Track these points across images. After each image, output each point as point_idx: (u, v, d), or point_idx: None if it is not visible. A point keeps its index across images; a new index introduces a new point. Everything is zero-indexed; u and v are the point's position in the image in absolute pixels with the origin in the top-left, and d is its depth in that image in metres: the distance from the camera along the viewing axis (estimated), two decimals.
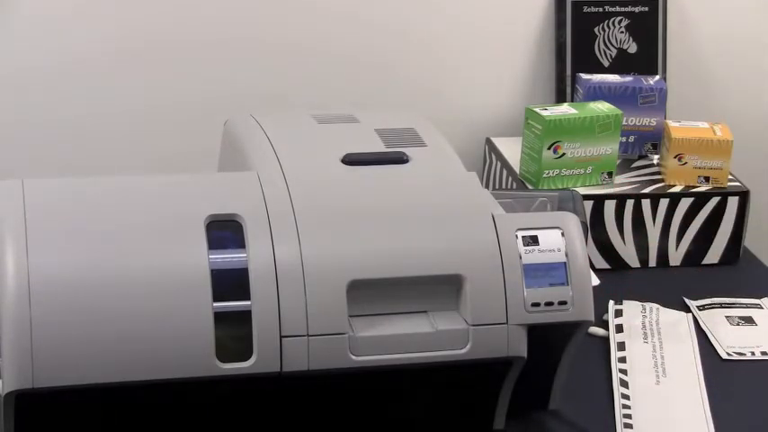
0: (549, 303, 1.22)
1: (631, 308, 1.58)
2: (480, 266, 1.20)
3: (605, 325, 1.54)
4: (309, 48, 1.86)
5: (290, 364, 1.16)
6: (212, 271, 1.15)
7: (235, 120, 1.41)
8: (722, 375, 1.45)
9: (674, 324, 1.55)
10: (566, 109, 1.73)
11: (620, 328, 1.53)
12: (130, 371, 1.12)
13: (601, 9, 1.92)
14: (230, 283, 1.15)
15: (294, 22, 1.85)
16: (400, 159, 1.29)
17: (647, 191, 1.74)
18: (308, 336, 1.16)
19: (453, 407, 1.29)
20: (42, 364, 1.10)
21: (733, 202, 1.74)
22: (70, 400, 1.14)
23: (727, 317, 1.58)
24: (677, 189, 1.74)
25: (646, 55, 1.94)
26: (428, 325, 1.20)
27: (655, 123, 1.83)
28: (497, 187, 1.83)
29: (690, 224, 1.74)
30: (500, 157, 1.84)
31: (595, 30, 1.92)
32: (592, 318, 1.24)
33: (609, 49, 1.93)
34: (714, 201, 1.74)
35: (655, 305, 1.59)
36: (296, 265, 1.16)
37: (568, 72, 1.92)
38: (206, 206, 1.18)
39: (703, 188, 1.75)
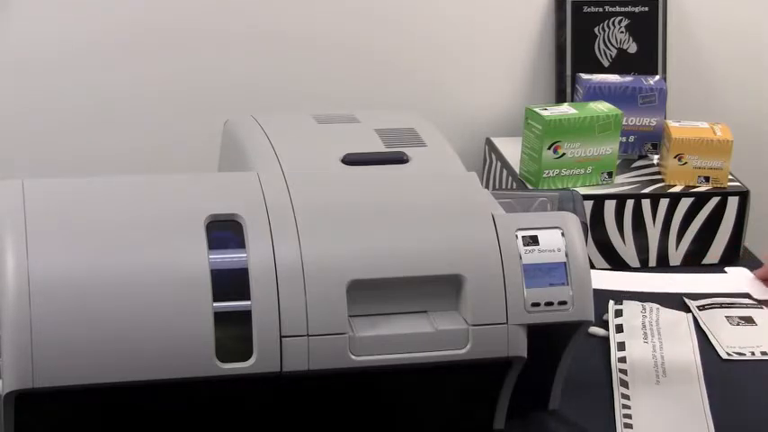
0: (549, 303, 1.22)
1: (631, 308, 1.58)
2: (480, 266, 1.20)
3: (605, 325, 1.54)
4: (310, 48, 1.86)
5: (290, 364, 1.16)
6: (212, 271, 1.15)
7: (235, 120, 1.41)
8: (722, 375, 1.45)
9: (674, 324, 1.55)
10: (566, 109, 1.73)
11: (620, 328, 1.53)
12: (130, 371, 1.12)
13: (601, 9, 1.92)
14: (230, 283, 1.15)
15: (295, 21, 1.85)
16: (400, 159, 1.29)
17: (647, 191, 1.74)
18: (308, 336, 1.16)
19: (453, 406, 1.29)
20: (42, 364, 1.10)
21: (733, 202, 1.74)
22: (70, 400, 1.14)
23: (727, 317, 1.58)
24: (677, 189, 1.74)
25: (646, 55, 1.94)
26: (428, 325, 1.20)
27: (655, 123, 1.83)
28: (497, 187, 1.83)
29: (690, 224, 1.75)
30: (500, 157, 1.84)
31: (595, 30, 1.92)
32: (592, 318, 1.24)
33: (609, 49, 1.93)
34: (714, 201, 1.74)
35: (655, 305, 1.59)
36: (296, 264, 1.16)
37: (568, 72, 1.92)
38: (206, 206, 1.18)
39: (703, 188, 1.75)
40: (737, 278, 1.67)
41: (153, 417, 1.20)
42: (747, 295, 1.64)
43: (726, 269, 1.70)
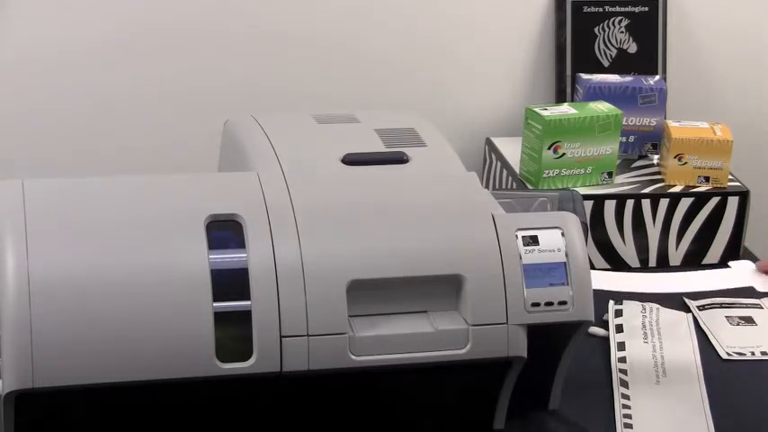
0: (549, 303, 1.22)
1: (631, 308, 1.58)
2: (480, 266, 1.20)
3: (605, 325, 1.54)
4: (310, 48, 1.86)
5: (290, 364, 1.16)
6: (212, 271, 1.15)
7: (235, 120, 1.41)
8: (722, 375, 1.45)
9: (674, 324, 1.55)
10: (566, 109, 1.73)
11: (620, 328, 1.53)
12: (130, 371, 1.12)
13: (601, 9, 1.92)
14: (230, 283, 1.15)
15: (295, 21, 1.85)
16: (400, 159, 1.29)
17: (647, 191, 1.74)
18: (308, 336, 1.16)
19: (453, 407, 1.29)
20: (42, 364, 1.10)
21: (733, 202, 1.74)
22: (70, 400, 1.14)
23: (727, 317, 1.58)
24: (677, 189, 1.74)
25: (646, 55, 1.94)
26: (428, 325, 1.20)
27: (655, 123, 1.83)
28: (497, 187, 1.83)
29: (690, 224, 1.75)
30: (500, 157, 1.84)
31: (595, 30, 1.92)
32: (592, 318, 1.24)
33: (609, 49, 1.93)
34: (714, 201, 1.74)
35: (655, 305, 1.59)
36: (296, 264, 1.16)
37: (568, 72, 1.92)
38: (206, 206, 1.18)
39: (703, 188, 1.75)
40: (741, 272, 1.67)
41: (153, 417, 1.20)
42: (752, 289, 1.64)
43: (729, 263, 1.70)
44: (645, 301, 1.60)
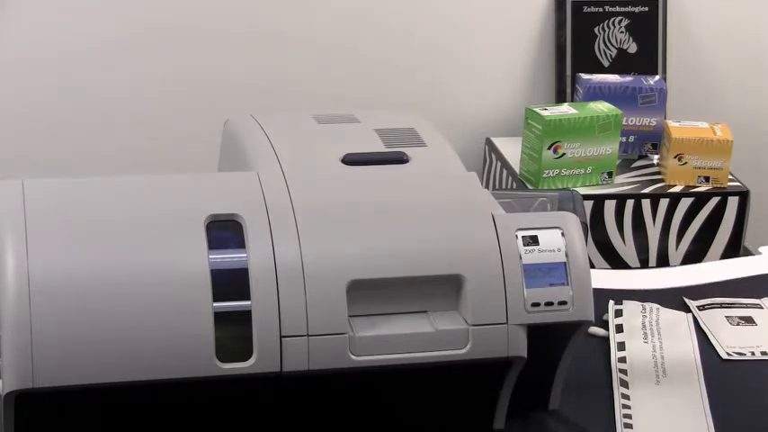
0: (549, 303, 1.22)
1: (631, 308, 1.58)
2: (480, 266, 1.20)
3: (605, 325, 1.54)
4: (310, 48, 1.86)
5: (290, 364, 1.16)
6: (212, 271, 1.15)
7: (235, 120, 1.41)
8: (722, 375, 1.45)
9: (674, 324, 1.55)
10: (566, 109, 1.73)
11: (620, 328, 1.53)
12: (130, 371, 1.12)
13: (601, 9, 1.92)
14: (230, 283, 1.15)
15: (295, 21, 1.85)
16: (400, 159, 1.29)
17: (647, 191, 1.74)
18: (308, 336, 1.16)
19: (453, 407, 1.29)
20: (42, 364, 1.10)
21: (733, 202, 1.74)
22: (70, 400, 1.14)
23: (727, 317, 1.58)
24: (677, 189, 1.74)
25: (646, 55, 1.94)
26: (428, 325, 1.20)
27: (655, 123, 1.83)
28: (497, 187, 1.84)
29: (690, 224, 1.75)
30: (500, 157, 1.84)
31: (595, 30, 1.92)
32: (592, 318, 1.24)
33: (609, 49, 1.93)
34: (714, 201, 1.74)
35: (655, 305, 1.59)
36: (296, 264, 1.16)
37: (568, 72, 1.92)
38: (206, 206, 1.18)
39: (703, 188, 1.75)
40: None
41: (153, 417, 1.20)
42: None
43: (760, 249, 1.69)
44: (649, 300, 1.60)
